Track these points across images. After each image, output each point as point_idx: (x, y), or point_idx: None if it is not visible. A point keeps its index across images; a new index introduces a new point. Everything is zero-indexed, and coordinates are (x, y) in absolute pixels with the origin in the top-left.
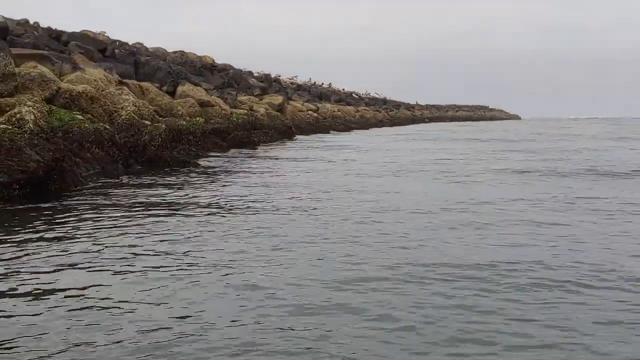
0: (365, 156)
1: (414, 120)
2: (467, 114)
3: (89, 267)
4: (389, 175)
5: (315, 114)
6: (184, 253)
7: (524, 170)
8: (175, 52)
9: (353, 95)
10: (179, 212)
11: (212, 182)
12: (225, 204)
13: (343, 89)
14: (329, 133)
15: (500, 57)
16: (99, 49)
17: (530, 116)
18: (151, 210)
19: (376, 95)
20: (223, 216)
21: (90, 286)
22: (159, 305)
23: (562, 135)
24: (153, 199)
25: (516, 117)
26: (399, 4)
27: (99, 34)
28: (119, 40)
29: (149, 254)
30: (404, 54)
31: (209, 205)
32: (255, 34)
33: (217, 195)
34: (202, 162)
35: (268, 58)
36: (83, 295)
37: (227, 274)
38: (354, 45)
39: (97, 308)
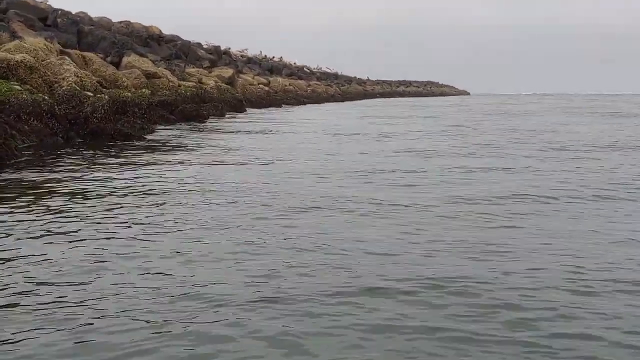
0: (315, 134)
1: (365, 95)
2: (417, 89)
3: None
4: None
5: (267, 88)
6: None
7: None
8: (120, 22)
9: (304, 69)
10: (109, 194)
11: (148, 157)
12: (142, 187)
13: (294, 63)
14: (280, 107)
15: (453, 32)
16: (40, 17)
17: (479, 92)
18: (72, 188)
19: (328, 70)
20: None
21: None
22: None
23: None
24: (76, 175)
25: (465, 93)
26: None
27: (40, 2)
28: (61, 9)
29: (57, 234)
30: (359, 27)
31: (125, 188)
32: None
33: (142, 177)
34: (148, 135)
35: (220, 29)
36: None
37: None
38: (306, 18)
39: None
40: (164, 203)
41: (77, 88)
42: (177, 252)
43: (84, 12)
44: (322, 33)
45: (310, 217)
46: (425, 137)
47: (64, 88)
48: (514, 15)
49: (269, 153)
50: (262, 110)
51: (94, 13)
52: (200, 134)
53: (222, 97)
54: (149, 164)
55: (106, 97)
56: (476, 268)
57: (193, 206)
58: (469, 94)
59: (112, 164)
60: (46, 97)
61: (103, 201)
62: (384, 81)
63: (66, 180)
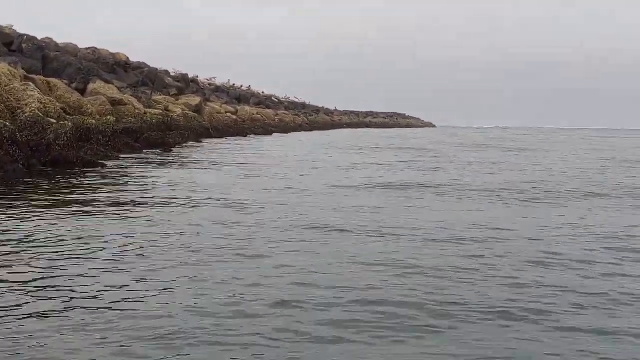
0: (280, 166)
1: (333, 126)
2: (384, 121)
3: None
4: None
5: (234, 117)
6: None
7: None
8: (87, 49)
9: (272, 98)
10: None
11: (107, 187)
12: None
13: (262, 92)
14: (247, 136)
15: (415, 66)
16: (5, 42)
17: (444, 124)
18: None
19: (295, 100)
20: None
21: None
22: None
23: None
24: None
25: (431, 125)
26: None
27: (5, 27)
28: (27, 35)
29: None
30: (330, 57)
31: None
32: (178, 29)
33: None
34: (111, 163)
35: (186, 56)
36: None
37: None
38: (273, 46)
39: None
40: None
41: (40, 114)
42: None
43: (49, 38)
44: (292, 63)
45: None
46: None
47: (26, 114)
48: (477, 51)
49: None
50: (230, 139)
51: (60, 39)
52: (159, 167)
53: (189, 125)
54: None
55: (70, 124)
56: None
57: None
58: (434, 126)
59: (95, 186)
60: (7, 124)
61: None
62: (351, 112)
63: None
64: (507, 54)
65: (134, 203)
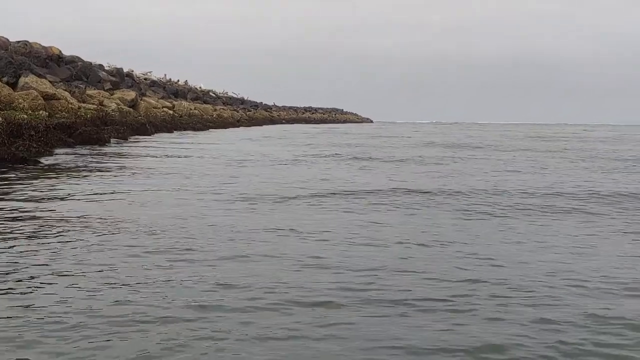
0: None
1: (272, 121)
2: (323, 116)
3: None
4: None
5: (171, 112)
6: None
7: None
8: (18, 42)
9: (210, 93)
10: None
11: (36, 184)
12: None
13: (200, 87)
14: (185, 131)
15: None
16: None
17: (381, 119)
18: None
19: (234, 95)
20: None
21: None
22: None
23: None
24: None
25: (368, 121)
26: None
27: None
28: None
29: None
30: (265, 52)
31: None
32: (108, 23)
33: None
34: (44, 159)
35: (120, 50)
36: None
37: None
38: (212, 41)
39: None
40: None
41: None
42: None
43: None
44: (229, 57)
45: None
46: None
47: None
48: (413, 45)
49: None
50: (167, 135)
51: None
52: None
53: (125, 120)
54: None
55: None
56: None
57: None
58: (371, 121)
59: (27, 183)
60: None
61: None
62: (290, 107)
63: None
64: (443, 53)
65: None
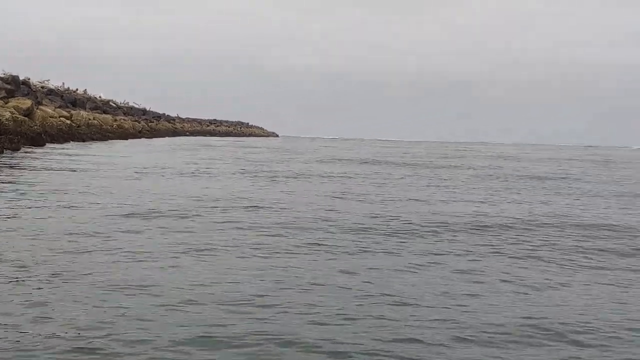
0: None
1: (175, 133)
2: (228, 129)
3: None
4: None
5: (69, 121)
6: None
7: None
8: None
9: (111, 103)
10: None
11: None
12: None
13: (100, 97)
14: (84, 141)
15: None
16: None
17: (287, 134)
18: None
19: (135, 105)
20: None
21: None
22: None
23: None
24: None
25: (274, 135)
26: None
27: None
28: None
29: None
30: (170, 62)
31: None
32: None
33: None
34: None
35: (16, 57)
36: None
37: None
38: (112, 49)
39: None
40: None
41: None
42: None
43: None
44: (131, 67)
45: None
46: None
47: None
48: (320, 61)
49: None
50: (63, 146)
51: None
52: None
53: (19, 130)
54: None
55: None
56: None
57: None
58: (277, 135)
59: None
60: None
61: None
62: (194, 119)
63: None
64: (347, 69)
65: None
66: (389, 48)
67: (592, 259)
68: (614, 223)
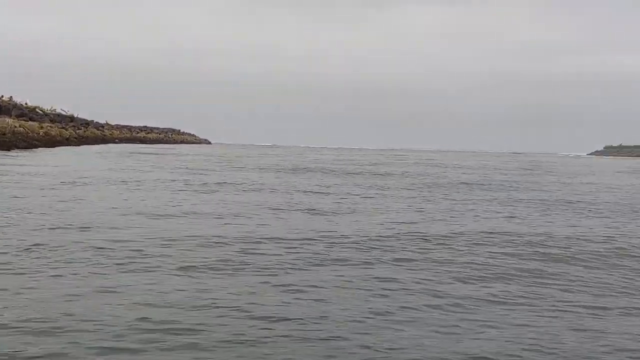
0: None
1: (104, 140)
2: (158, 136)
3: None
4: None
5: None
6: None
7: None
8: None
9: (37, 110)
10: None
11: None
12: None
13: (26, 103)
14: (9, 150)
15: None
16: None
17: (220, 141)
18: None
19: (63, 112)
20: None
21: None
22: None
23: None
24: None
25: (206, 142)
26: (91, 14)
27: None
28: None
29: None
30: (96, 69)
31: None
32: None
33: None
34: None
35: None
36: None
37: None
38: (39, 55)
39: None
40: None
41: None
42: None
43: None
44: (57, 72)
45: None
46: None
47: None
48: (251, 67)
49: None
50: None
51: None
52: None
53: None
54: None
55: None
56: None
57: None
58: (210, 142)
59: None
60: None
61: None
62: (124, 126)
63: None
64: (279, 75)
65: None
66: (326, 54)
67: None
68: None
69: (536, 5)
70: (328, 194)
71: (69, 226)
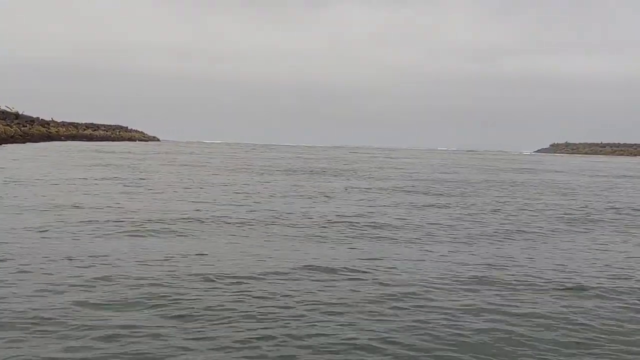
0: None
1: (49, 137)
2: (106, 133)
3: None
4: None
5: None
6: None
7: None
8: None
9: None
10: None
11: None
12: None
13: None
14: None
15: (139, 78)
16: None
17: (169, 138)
18: None
19: (7, 109)
20: None
21: None
22: None
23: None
24: None
25: (155, 139)
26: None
27: None
28: None
29: None
30: (41, 64)
31: None
32: None
33: None
34: None
35: None
36: None
37: None
38: None
39: None
40: None
41: None
42: None
43: None
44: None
45: None
46: None
47: None
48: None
49: None
50: None
51: None
52: None
53: None
54: None
55: None
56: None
57: None
58: (159, 140)
59: None
60: None
61: None
62: (70, 123)
63: None
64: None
65: None
66: (274, 54)
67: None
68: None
69: (479, 7)
70: (331, 198)
71: None
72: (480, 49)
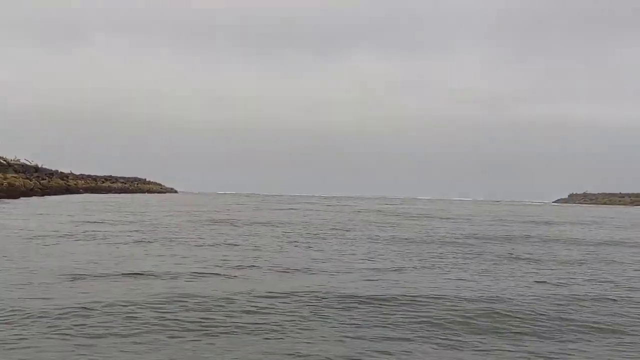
0: None
1: (68, 190)
2: (124, 185)
3: None
4: None
5: None
6: None
7: None
8: None
9: (0, 160)
10: None
11: None
12: None
13: None
14: None
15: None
16: None
17: (186, 189)
18: None
19: (27, 162)
20: None
21: None
22: None
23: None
24: None
25: (173, 191)
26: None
27: None
28: None
29: None
30: (57, 115)
31: None
32: None
33: None
34: None
35: None
36: None
37: None
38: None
39: None
40: None
41: None
42: None
43: None
44: (19, 122)
45: None
46: None
47: None
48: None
49: None
50: None
51: None
52: None
53: None
54: None
55: None
56: None
57: None
58: (176, 191)
59: None
60: None
61: None
62: (88, 175)
63: None
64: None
65: None
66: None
67: None
68: None
69: (487, 55)
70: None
71: None
72: (488, 96)
